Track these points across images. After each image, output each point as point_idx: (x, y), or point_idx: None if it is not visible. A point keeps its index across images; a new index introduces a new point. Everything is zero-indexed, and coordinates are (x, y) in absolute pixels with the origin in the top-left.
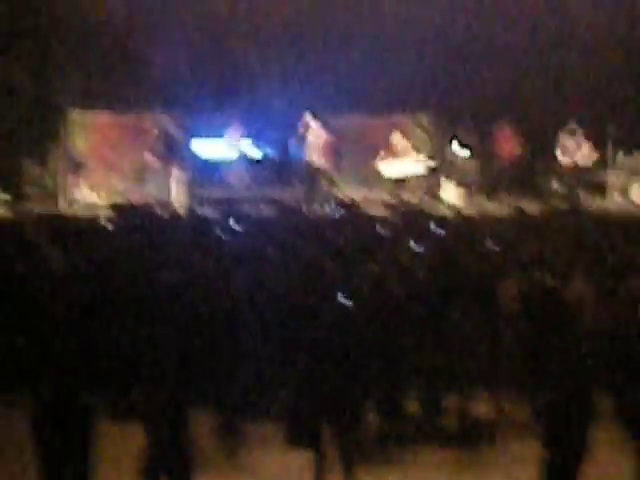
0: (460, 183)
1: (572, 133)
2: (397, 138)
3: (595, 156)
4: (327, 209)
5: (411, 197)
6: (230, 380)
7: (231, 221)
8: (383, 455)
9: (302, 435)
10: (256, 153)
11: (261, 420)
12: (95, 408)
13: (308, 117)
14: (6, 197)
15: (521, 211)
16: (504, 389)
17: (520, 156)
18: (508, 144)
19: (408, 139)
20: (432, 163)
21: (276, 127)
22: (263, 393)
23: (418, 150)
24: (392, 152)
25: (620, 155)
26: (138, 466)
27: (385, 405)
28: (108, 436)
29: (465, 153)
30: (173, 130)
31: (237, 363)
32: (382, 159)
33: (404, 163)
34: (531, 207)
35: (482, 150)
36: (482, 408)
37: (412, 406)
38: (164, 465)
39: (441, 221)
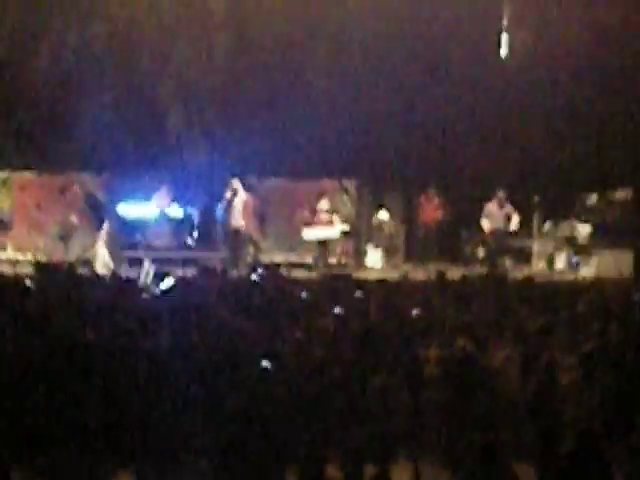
0: (385, 249)
1: (498, 201)
2: (323, 203)
3: (520, 224)
4: (250, 272)
5: (335, 262)
6: (149, 444)
7: (153, 282)
8: None
9: None
10: (181, 215)
11: None
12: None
13: (235, 182)
14: None
15: (443, 276)
16: (426, 456)
17: (445, 222)
18: (433, 210)
19: (334, 205)
20: (353, 228)
21: (203, 190)
22: (182, 457)
23: (343, 216)
24: (317, 217)
25: (547, 224)
26: None
27: (307, 472)
28: None
29: (390, 219)
30: (98, 192)
31: (156, 426)
32: (307, 223)
33: (328, 228)
34: (455, 273)
35: (407, 216)
36: (404, 475)
37: (334, 473)
38: None
39: (365, 286)
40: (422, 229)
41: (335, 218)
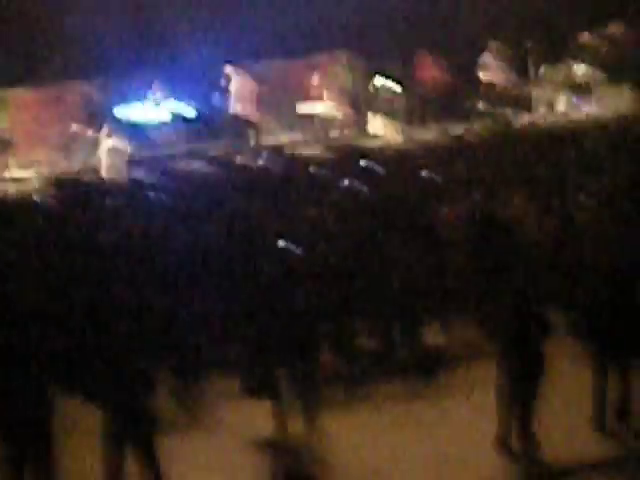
0: (387, 115)
1: (492, 52)
2: (318, 78)
3: (515, 73)
4: (255, 156)
5: (338, 134)
6: (181, 339)
7: (164, 179)
8: (342, 395)
9: (258, 385)
10: (181, 110)
11: (217, 375)
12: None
13: (228, 69)
14: None
15: (448, 134)
16: (454, 315)
17: (443, 81)
18: (430, 70)
19: (326, 78)
20: (351, 99)
21: (198, 82)
22: (215, 347)
23: (338, 88)
24: (314, 93)
25: (543, 69)
26: (102, 434)
27: (338, 344)
28: (69, 407)
29: (389, 85)
30: (96, 97)
31: (186, 321)
32: (305, 100)
33: (327, 103)
34: (458, 130)
35: (405, 80)
36: (434, 336)
37: (366, 342)
38: (128, 431)
39: (372, 154)
40: (420, 90)
41: (327, 92)
